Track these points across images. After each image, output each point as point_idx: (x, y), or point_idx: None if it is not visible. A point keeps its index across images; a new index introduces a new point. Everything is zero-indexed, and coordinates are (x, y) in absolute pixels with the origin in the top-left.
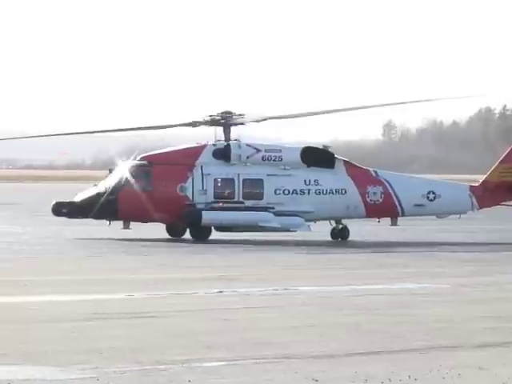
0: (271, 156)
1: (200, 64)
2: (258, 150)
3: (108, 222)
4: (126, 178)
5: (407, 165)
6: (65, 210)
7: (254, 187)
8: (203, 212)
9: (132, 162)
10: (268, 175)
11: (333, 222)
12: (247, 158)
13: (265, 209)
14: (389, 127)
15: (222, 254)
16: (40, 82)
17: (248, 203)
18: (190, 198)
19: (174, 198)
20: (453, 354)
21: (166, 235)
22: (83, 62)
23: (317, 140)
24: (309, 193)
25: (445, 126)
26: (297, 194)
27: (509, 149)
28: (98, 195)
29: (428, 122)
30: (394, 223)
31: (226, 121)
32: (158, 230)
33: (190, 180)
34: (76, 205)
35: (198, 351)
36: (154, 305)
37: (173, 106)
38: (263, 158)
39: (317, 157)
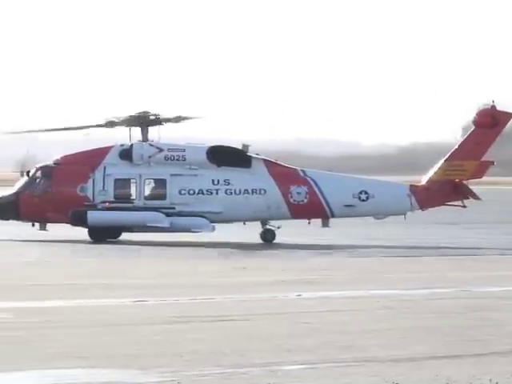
0: (174, 155)
1: (117, 64)
2: (161, 150)
3: (32, 225)
4: (29, 180)
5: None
6: None
7: (157, 187)
8: (89, 212)
9: (42, 164)
10: (172, 175)
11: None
12: (149, 157)
13: (167, 209)
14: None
15: (300, 258)
16: None
17: (150, 204)
18: (91, 198)
19: (73, 199)
20: None
21: (241, 239)
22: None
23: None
24: (217, 193)
25: None
26: (203, 194)
27: (455, 146)
28: (6, 197)
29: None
30: (324, 224)
31: (143, 121)
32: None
33: (90, 180)
34: None
35: (279, 354)
36: (234, 308)
37: (90, 105)
38: (166, 158)
39: (228, 156)
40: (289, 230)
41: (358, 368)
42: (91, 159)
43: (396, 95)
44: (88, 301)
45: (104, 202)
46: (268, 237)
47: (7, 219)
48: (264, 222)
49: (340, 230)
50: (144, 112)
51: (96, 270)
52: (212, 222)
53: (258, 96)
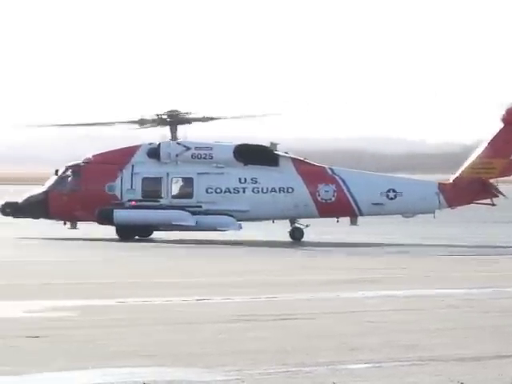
0: (201, 154)
1: (147, 62)
2: (188, 148)
3: (63, 223)
4: (59, 179)
5: None
6: (8, 209)
7: (184, 186)
8: (115, 211)
9: (71, 162)
10: (199, 174)
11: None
12: (176, 156)
13: (194, 207)
14: None
15: (362, 256)
16: None
17: (177, 202)
18: (119, 196)
19: (101, 197)
20: None
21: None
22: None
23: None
24: (244, 191)
25: None
26: (230, 192)
27: (484, 144)
28: (36, 195)
29: None
30: (353, 223)
31: (172, 119)
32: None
33: (118, 179)
34: (18, 205)
35: (343, 353)
36: (297, 307)
37: (120, 104)
38: (193, 156)
39: (255, 155)
40: (346, 229)
41: (423, 367)
42: (120, 158)
43: (463, 93)
44: (152, 299)
45: (130, 200)
46: (296, 235)
47: (37, 218)
48: (293, 221)
49: (397, 228)
50: (174, 111)
51: (159, 268)
52: (239, 220)
53: (301, 94)
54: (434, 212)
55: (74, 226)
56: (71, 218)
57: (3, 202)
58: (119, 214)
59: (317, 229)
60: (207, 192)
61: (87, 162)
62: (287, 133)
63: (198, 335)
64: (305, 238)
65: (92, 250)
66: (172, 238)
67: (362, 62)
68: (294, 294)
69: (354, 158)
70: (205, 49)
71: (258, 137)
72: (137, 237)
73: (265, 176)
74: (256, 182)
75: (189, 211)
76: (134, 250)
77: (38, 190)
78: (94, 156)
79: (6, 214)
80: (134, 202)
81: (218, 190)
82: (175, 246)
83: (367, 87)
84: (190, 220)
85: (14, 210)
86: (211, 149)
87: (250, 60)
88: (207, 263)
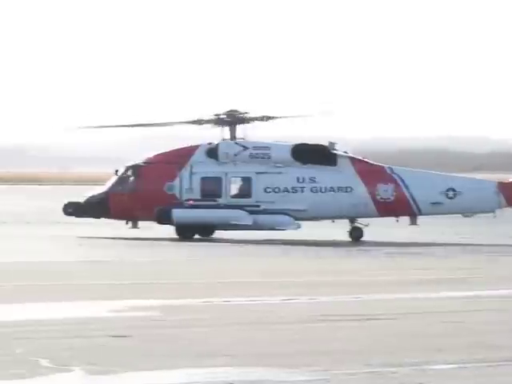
0: (259, 154)
1: (206, 63)
2: (246, 148)
3: (125, 223)
4: (119, 179)
5: None
6: (71, 209)
7: (242, 185)
8: (173, 210)
9: (131, 163)
10: (257, 173)
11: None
12: (235, 155)
13: (253, 207)
14: None
15: (441, 256)
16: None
17: (236, 201)
18: (178, 196)
19: (160, 197)
20: None
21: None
22: (83, 60)
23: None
24: (302, 191)
25: None
26: (288, 192)
27: None
28: (97, 195)
29: None
30: (413, 222)
31: (231, 119)
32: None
33: (177, 179)
34: (80, 204)
35: (429, 354)
36: (381, 307)
37: (178, 104)
38: (251, 156)
39: (313, 154)
40: (421, 229)
41: (510, 368)
42: (179, 158)
43: None
44: (235, 299)
45: (188, 200)
46: (355, 234)
47: (98, 217)
48: (352, 220)
49: (475, 229)
50: (233, 111)
51: (241, 268)
52: (297, 219)
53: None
54: (493, 211)
55: (135, 226)
56: (131, 217)
57: (66, 202)
58: (178, 214)
59: (390, 229)
60: (265, 191)
61: (147, 162)
62: (364, 132)
63: (282, 335)
64: (382, 239)
65: (176, 250)
66: (244, 238)
67: (438, 59)
68: (376, 294)
69: (435, 158)
70: (263, 49)
71: (328, 136)
72: (198, 236)
73: (323, 175)
74: (314, 181)
75: (247, 210)
76: (217, 250)
77: (99, 189)
78: (153, 156)
79: (68, 213)
80: (191, 202)
81: (277, 190)
82: (257, 246)
83: (447, 86)
84: (248, 219)
85: (76, 209)
86: (269, 148)
87: (309, 59)
88: (292, 263)
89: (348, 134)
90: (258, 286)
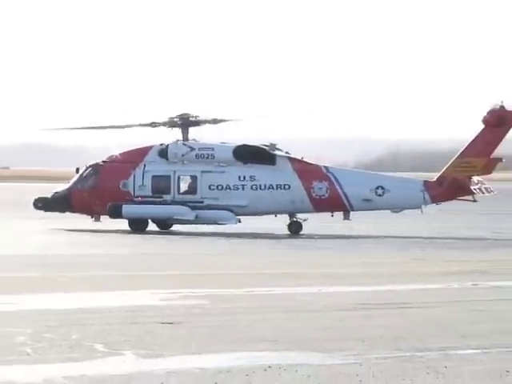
0: (204, 154)
1: (161, 69)
2: (192, 149)
3: (90, 217)
4: (80, 177)
5: None
6: (40, 204)
7: (189, 183)
8: (124, 206)
9: (92, 162)
10: (202, 172)
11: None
12: (182, 155)
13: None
14: None
15: (475, 248)
16: None
17: (182, 198)
18: (132, 193)
19: (116, 194)
20: None
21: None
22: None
23: None
24: (243, 188)
25: None
26: (230, 189)
27: (466, 144)
28: (61, 192)
29: None
30: (346, 217)
31: (183, 122)
32: None
33: (132, 177)
34: (47, 200)
35: (454, 340)
36: (413, 296)
37: (132, 107)
38: (197, 156)
39: (253, 154)
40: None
41: None
42: (135, 157)
43: None
44: (276, 289)
45: (137, 196)
46: (294, 228)
47: (64, 212)
48: (291, 215)
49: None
50: (185, 114)
51: (278, 260)
52: (238, 215)
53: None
54: (420, 208)
55: (97, 219)
56: (92, 212)
57: (36, 197)
58: (127, 209)
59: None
60: (210, 189)
61: (106, 161)
62: (406, 133)
63: (319, 322)
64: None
65: (217, 243)
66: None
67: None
68: (409, 284)
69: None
70: (214, 54)
71: (365, 136)
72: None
73: (262, 174)
74: (254, 179)
75: (190, 206)
76: (255, 243)
77: (64, 186)
78: (112, 156)
79: (38, 208)
80: (139, 198)
81: (220, 187)
82: (292, 239)
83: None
84: (190, 214)
85: (45, 204)
86: (213, 149)
87: (262, 62)
88: (324, 256)
89: (397, 135)
90: (299, 276)
